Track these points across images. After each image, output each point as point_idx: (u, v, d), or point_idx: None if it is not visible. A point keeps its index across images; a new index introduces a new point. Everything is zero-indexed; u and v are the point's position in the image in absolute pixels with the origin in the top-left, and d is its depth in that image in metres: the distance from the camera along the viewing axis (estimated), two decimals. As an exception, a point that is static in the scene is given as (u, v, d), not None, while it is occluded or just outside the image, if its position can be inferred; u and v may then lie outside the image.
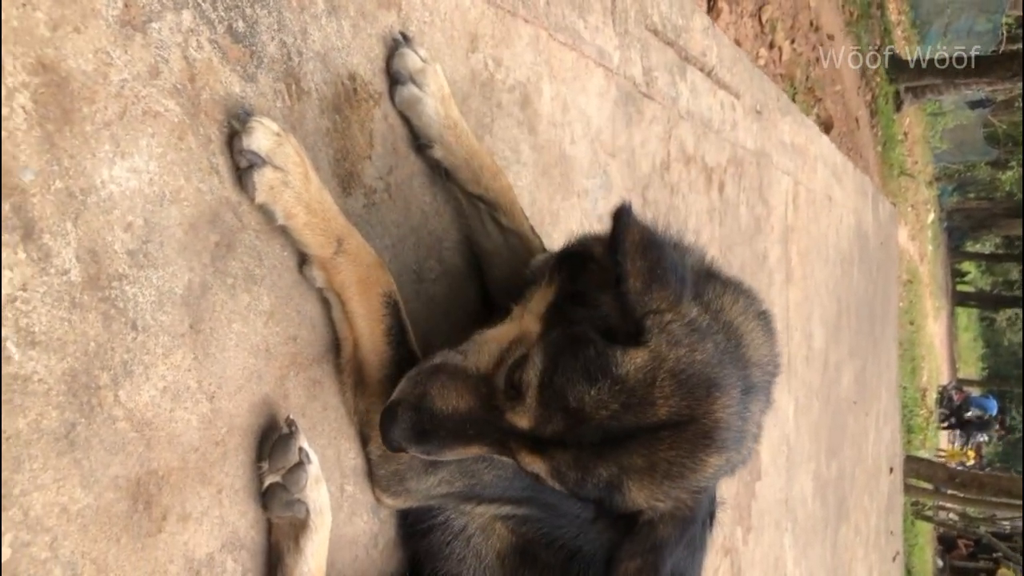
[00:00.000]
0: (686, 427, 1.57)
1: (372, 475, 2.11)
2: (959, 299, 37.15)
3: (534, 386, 1.60)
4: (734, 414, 1.62)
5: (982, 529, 24.53)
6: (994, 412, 31.91)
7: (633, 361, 1.56)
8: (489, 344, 1.78)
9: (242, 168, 1.71)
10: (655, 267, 1.58)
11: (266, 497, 1.79)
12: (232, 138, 1.71)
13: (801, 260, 6.51)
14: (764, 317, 1.88)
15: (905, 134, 19.22)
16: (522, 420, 1.63)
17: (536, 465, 1.65)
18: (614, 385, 1.55)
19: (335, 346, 2.00)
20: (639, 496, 1.61)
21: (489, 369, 1.73)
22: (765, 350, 1.82)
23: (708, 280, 1.85)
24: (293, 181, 1.75)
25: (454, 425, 1.70)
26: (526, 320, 1.76)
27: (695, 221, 4.39)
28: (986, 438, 28.45)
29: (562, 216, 3.07)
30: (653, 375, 1.55)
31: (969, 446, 31.12)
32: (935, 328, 27.17)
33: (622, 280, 1.56)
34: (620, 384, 1.55)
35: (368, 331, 1.93)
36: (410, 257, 2.27)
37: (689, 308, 1.63)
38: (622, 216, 1.57)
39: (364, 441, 2.08)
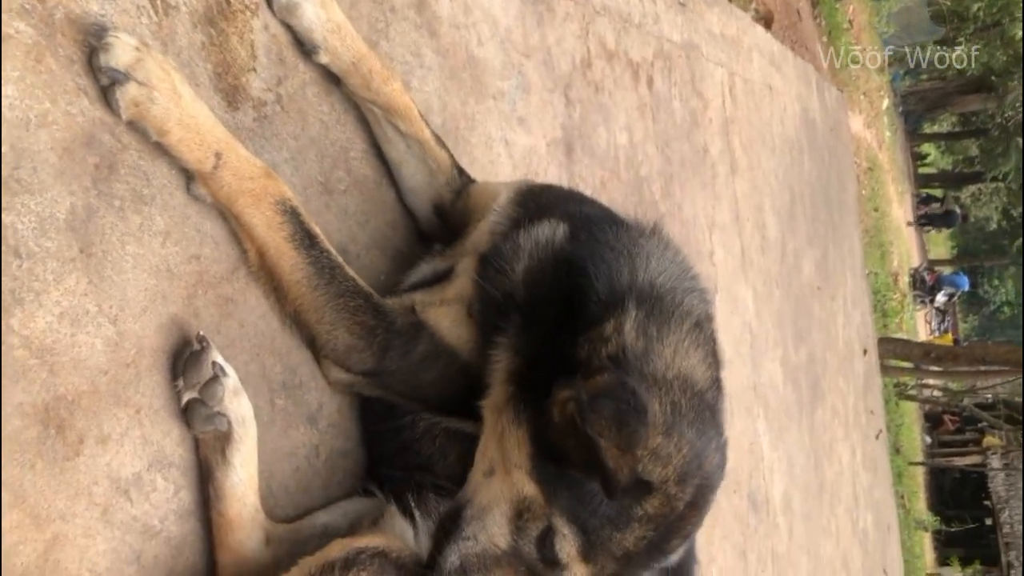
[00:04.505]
0: (698, 495, 1.78)
1: (323, 359, 2.13)
2: (922, 181, 37.37)
3: (576, 558, 1.77)
4: (719, 455, 1.83)
5: (965, 401, 25.19)
6: (966, 288, 32.49)
7: (651, 503, 1.73)
8: (492, 514, 1.84)
9: (104, 86, 1.68)
10: (631, 438, 1.67)
11: (187, 414, 1.80)
12: (92, 56, 1.68)
13: (745, 151, 6.51)
14: (700, 328, 1.95)
15: (850, 22, 19.07)
16: None
17: None
18: (645, 523, 1.74)
19: (243, 261, 1.99)
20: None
21: (510, 543, 1.82)
22: (705, 367, 1.92)
23: (649, 319, 1.89)
24: (159, 97, 1.71)
25: None
26: (516, 478, 1.82)
27: (625, 118, 4.36)
28: (950, 295, 29.18)
29: (478, 120, 3.05)
30: (668, 496, 1.73)
31: (944, 326, 31.74)
32: (900, 212, 27.38)
33: (606, 474, 1.65)
34: (649, 520, 1.74)
35: (270, 240, 1.91)
36: (314, 169, 2.25)
37: (656, 434, 1.72)
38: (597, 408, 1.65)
39: (309, 342, 2.07)
